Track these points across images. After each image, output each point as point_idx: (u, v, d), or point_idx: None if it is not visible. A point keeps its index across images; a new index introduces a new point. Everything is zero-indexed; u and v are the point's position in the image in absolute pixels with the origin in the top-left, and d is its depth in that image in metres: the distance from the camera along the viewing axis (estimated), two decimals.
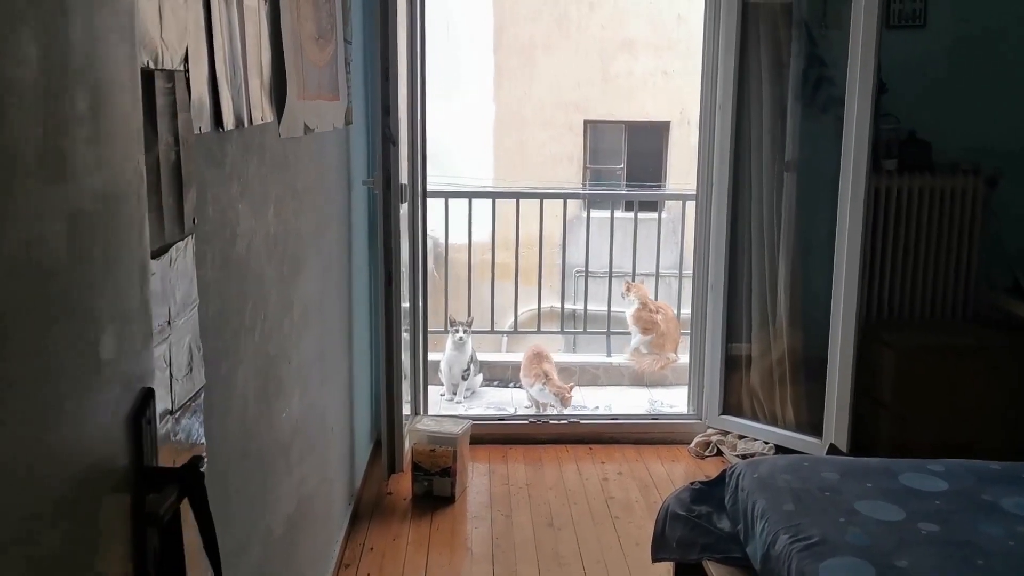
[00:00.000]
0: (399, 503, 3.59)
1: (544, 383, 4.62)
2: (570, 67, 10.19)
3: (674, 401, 4.82)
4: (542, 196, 5.43)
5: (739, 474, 2.43)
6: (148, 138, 1.27)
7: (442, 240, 9.04)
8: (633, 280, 5.38)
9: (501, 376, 5.11)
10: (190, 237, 1.45)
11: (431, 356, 4.89)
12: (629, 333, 5.26)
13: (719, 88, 4.06)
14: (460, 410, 4.63)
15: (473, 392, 4.94)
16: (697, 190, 4.25)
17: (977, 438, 3.61)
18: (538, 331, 5.72)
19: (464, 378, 4.80)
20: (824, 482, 2.32)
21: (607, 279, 5.41)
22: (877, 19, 3.46)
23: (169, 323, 1.36)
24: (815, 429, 3.86)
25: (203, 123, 1.55)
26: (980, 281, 4.02)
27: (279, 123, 2.12)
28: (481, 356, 5.06)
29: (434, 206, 5.34)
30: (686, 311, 5.36)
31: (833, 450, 3.64)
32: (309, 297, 2.56)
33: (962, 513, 2.17)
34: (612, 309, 5.41)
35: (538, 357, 4.77)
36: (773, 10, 3.97)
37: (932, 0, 4.01)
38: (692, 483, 2.61)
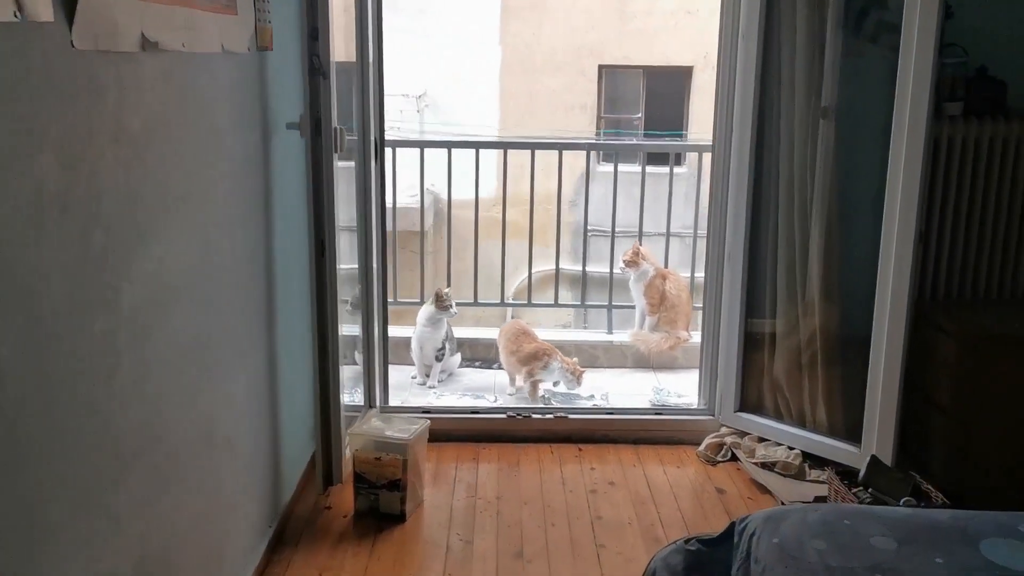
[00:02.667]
0: (336, 522, 2.93)
1: (559, 360, 3.93)
2: (584, 7, 9.31)
3: (684, 388, 4.12)
4: (534, 147, 4.68)
5: (752, 535, 1.73)
6: None
7: (445, 195, 8.36)
8: (641, 243, 4.64)
9: (484, 356, 4.43)
10: None
11: (406, 332, 4.24)
12: (633, 307, 4.54)
13: (743, 15, 3.29)
14: (431, 397, 3.96)
15: (450, 374, 4.26)
16: (714, 139, 3.50)
17: None
18: (528, 303, 5.01)
19: (438, 359, 4.12)
20: (874, 555, 1.61)
21: (611, 240, 4.69)
22: None
23: None
24: (853, 434, 3.15)
25: None
26: None
27: (70, 26, 1.41)
28: (459, 333, 4.37)
29: (430, 157, 4.63)
30: (701, 275, 4.64)
31: (875, 464, 2.93)
32: (170, 276, 1.87)
33: None
34: (616, 277, 4.68)
35: (526, 335, 4.07)
36: None
37: None
38: (687, 540, 1.91)
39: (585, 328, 5.25)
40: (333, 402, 2.86)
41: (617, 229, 4.70)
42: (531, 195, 4.56)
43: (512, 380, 4.06)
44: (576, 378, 3.93)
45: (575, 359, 4.02)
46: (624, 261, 4.41)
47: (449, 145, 4.58)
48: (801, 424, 3.32)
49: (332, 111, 2.70)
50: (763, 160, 3.34)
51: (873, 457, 2.96)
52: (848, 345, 3.24)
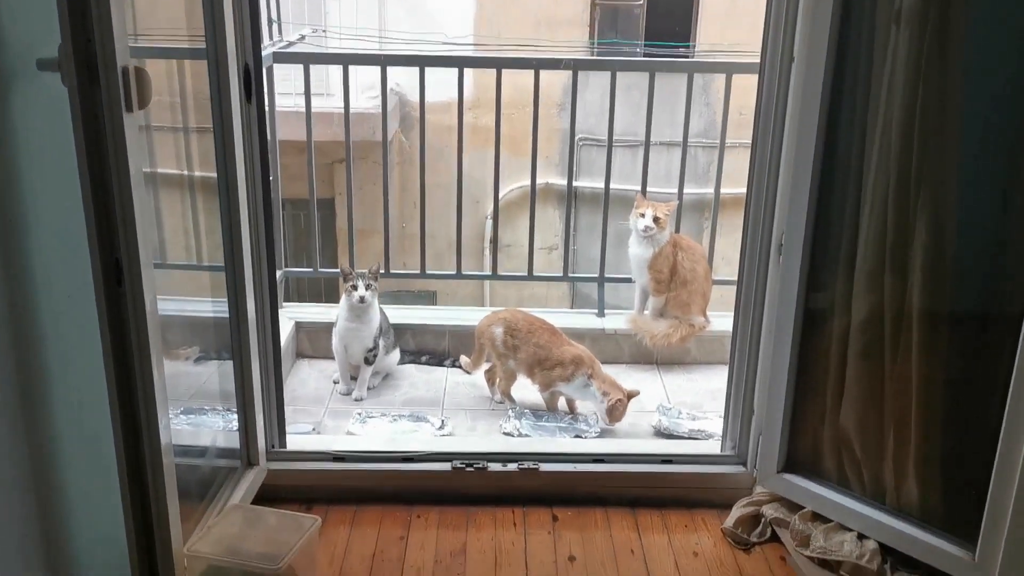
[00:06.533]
0: None
1: (589, 377, 2.91)
2: None
3: (700, 399, 3.07)
4: (500, 64, 3.46)
5: None
6: None
7: (411, 97, 7.11)
8: (645, 191, 3.47)
9: (433, 348, 3.34)
10: None
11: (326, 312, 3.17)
12: (630, 280, 3.43)
13: None
14: (353, 421, 2.88)
15: (386, 375, 3.18)
16: (762, 62, 2.33)
17: None
18: (494, 275, 3.88)
19: (368, 361, 3.03)
20: None
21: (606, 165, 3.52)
22: None
23: None
24: (961, 526, 2.09)
25: None
26: None
27: None
28: (401, 317, 3.28)
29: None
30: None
31: None
32: None
33: None
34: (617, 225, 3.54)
35: (550, 329, 3.03)
36: None
37: None
38: None
39: (573, 310, 4.16)
40: (159, 525, 1.78)
41: (614, 138, 3.50)
42: (497, 122, 3.37)
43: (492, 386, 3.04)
44: (612, 415, 2.89)
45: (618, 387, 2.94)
46: (654, 218, 3.25)
47: (346, 61, 3.35)
48: (879, 499, 2.26)
49: (114, 36, 1.52)
50: (841, 101, 2.18)
51: None
52: (962, 385, 2.16)
